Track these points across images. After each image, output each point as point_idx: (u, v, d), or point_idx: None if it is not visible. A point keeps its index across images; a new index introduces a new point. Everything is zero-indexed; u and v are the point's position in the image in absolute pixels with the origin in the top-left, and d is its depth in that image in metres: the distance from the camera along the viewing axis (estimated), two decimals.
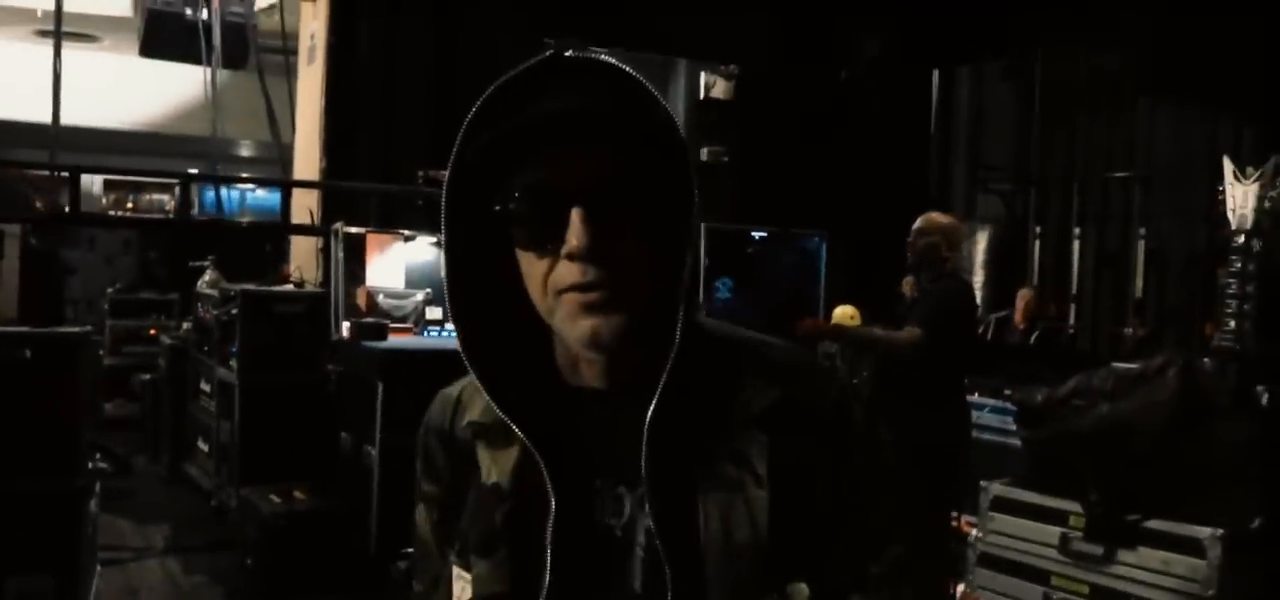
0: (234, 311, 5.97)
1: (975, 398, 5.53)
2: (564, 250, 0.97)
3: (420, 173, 6.14)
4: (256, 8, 8.99)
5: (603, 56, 1.03)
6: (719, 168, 7.88)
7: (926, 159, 8.54)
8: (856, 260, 7.30)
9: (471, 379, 1.09)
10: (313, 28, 7.11)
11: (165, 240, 8.70)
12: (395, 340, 5.68)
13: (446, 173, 1.02)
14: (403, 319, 6.00)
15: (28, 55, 18.32)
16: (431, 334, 5.99)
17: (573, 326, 1.00)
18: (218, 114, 8.83)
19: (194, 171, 9.19)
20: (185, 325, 7.22)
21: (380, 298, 5.96)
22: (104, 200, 23.79)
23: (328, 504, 5.26)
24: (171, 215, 9.54)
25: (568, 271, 0.98)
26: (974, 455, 4.96)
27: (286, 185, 6.45)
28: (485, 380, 1.04)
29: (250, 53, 8.28)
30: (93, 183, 22.15)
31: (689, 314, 1.01)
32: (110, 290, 8.10)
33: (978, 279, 8.72)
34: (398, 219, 6.18)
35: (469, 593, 1.07)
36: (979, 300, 6.85)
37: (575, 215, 0.96)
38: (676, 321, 0.99)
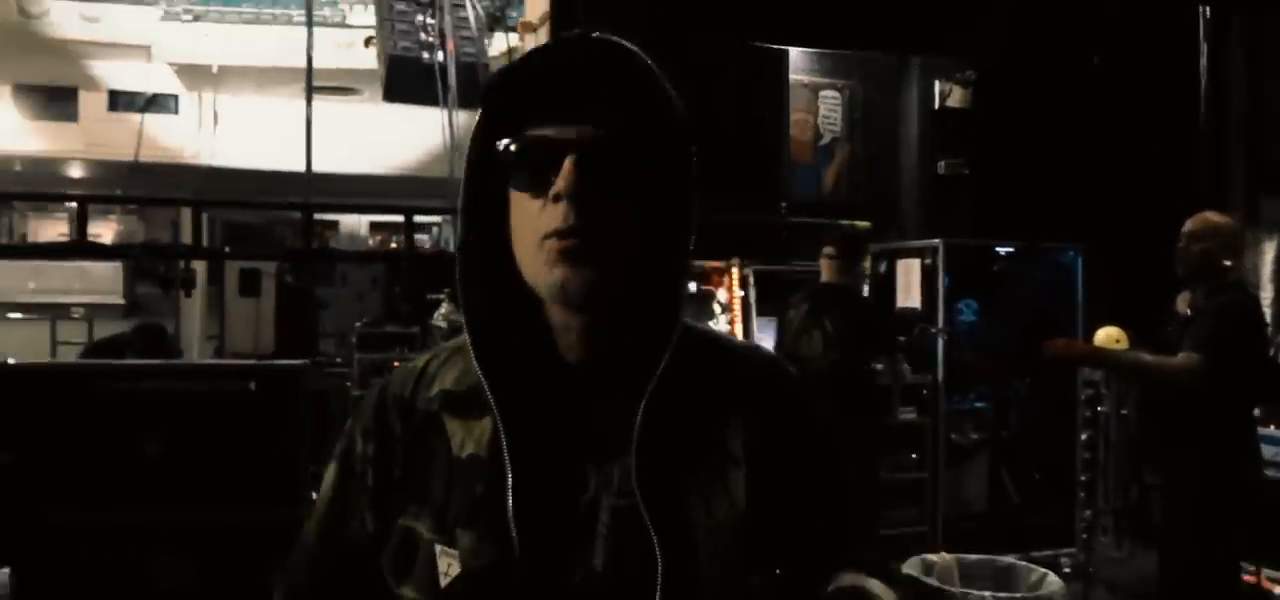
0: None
1: (1269, 431, 4.78)
2: (551, 191, 1.03)
3: None
4: (491, 54, 9.24)
5: (619, 40, 1.06)
6: (958, 181, 7.31)
7: (1196, 155, 7.51)
8: (1118, 274, 6.52)
9: (440, 353, 1.19)
10: None
11: (407, 276, 9.02)
12: None
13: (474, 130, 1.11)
14: None
15: (299, 110, 19.82)
16: None
17: (547, 274, 1.04)
18: (456, 154, 9.10)
19: (430, 208, 9.53)
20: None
21: None
22: (371, 241, 25.43)
23: None
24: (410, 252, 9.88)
25: (552, 215, 1.03)
26: (1268, 500, 4.23)
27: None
28: (476, 341, 1.09)
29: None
30: (360, 224, 23.74)
31: (679, 302, 1.09)
32: (358, 325, 8.44)
33: (1266, 295, 7.67)
34: None
35: (457, 567, 1.08)
36: (1268, 318, 5.98)
37: (567, 162, 1.02)
38: (670, 302, 1.09)
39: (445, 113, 9.12)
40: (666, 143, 1.07)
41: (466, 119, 9.27)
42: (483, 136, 1.10)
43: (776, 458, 1.11)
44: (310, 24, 10.21)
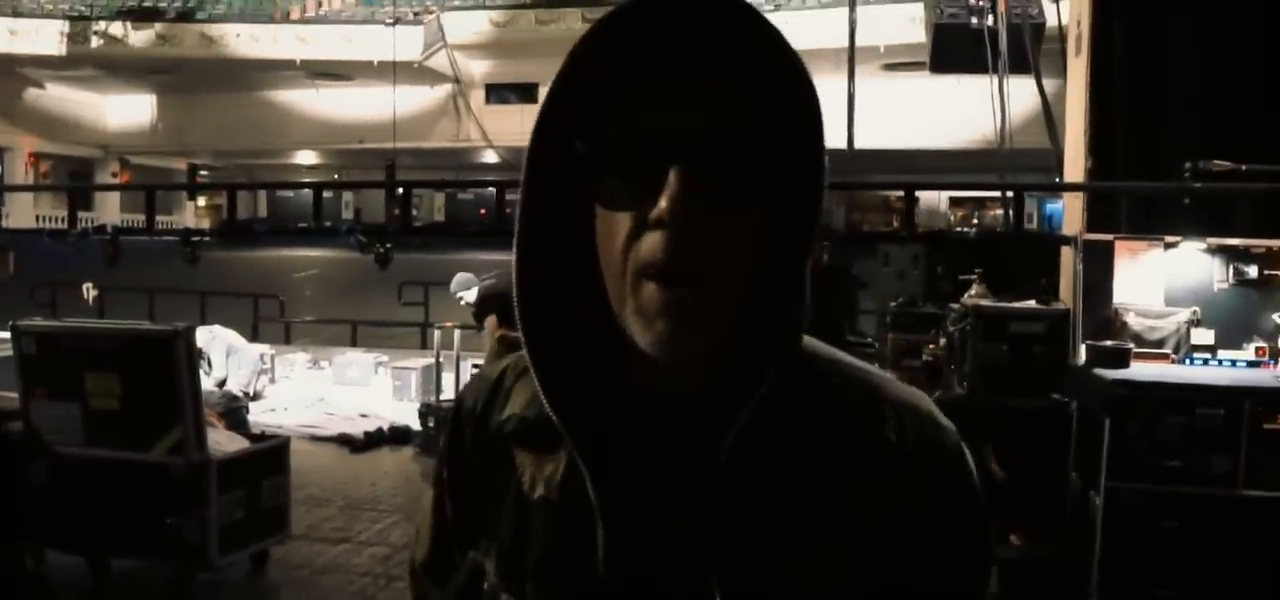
0: (969, 328, 5.58)
1: None
2: (653, 215, 0.78)
3: (1187, 165, 5.09)
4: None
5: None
6: None
7: None
8: None
9: (519, 360, 0.95)
10: (1079, 15, 6.39)
11: (949, 254, 8.61)
12: (1140, 369, 4.78)
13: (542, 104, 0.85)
14: (1159, 343, 5.05)
15: (874, 88, 20.08)
16: (1196, 362, 4.93)
17: (646, 326, 0.81)
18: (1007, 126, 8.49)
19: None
20: (941, 341, 7.02)
21: (1130, 316, 5.09)
22: (951, 216, 25.03)
23: (1044, 552, 4.60)
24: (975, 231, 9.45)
25: (652, 246, 0.79)
26: None
27: (1017, 189, 5.84)
28: (540, 369, 0.88)
29: (1029, 54, 7.80)
30: (940, 199, 23.50)
31: (798, 321, 0.85)
32: (893, 304, 8.24)
33: None
34: (1159, 223, 5.20)
35: None
36: None
37: (674, 172, 0.77)
38: (785, 325, 0.85)
39: (995, 79, 8.59)
40: (800, 137, 0.82)
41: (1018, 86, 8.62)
42: (553, 119, 0.85)
43: (911, 543, 0.86)
44: (852, 2, 10.15)
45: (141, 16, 28.54)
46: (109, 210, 27.40)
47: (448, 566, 1.05)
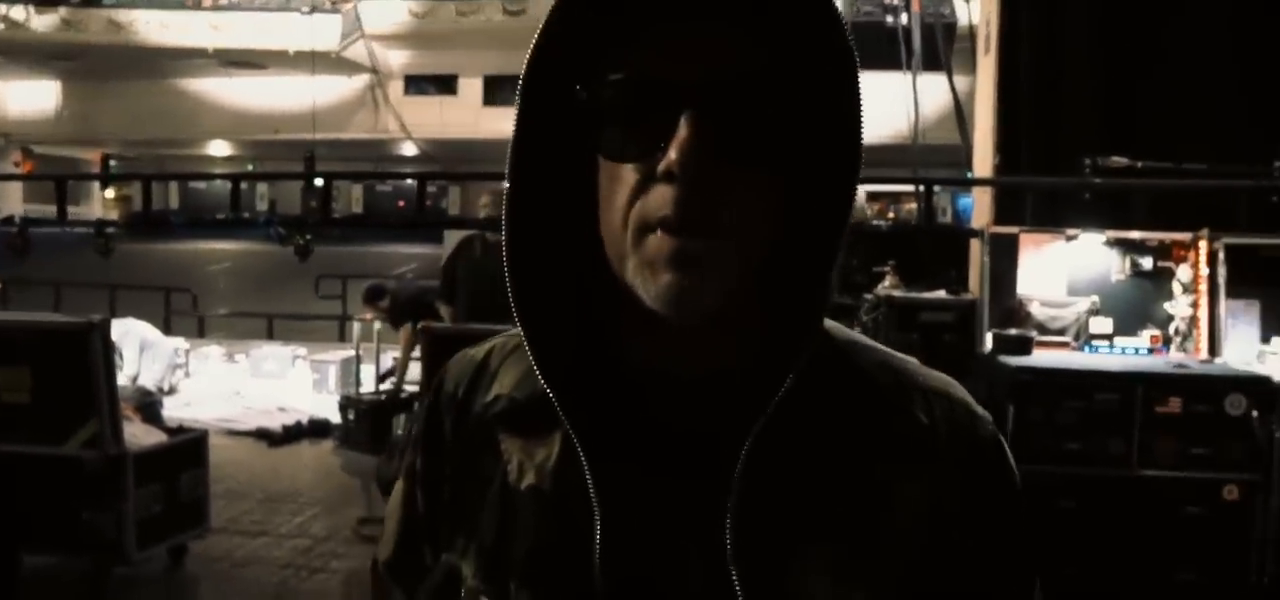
0: (881, 317, 5.76)
1: None
2: (661, 166, 0.72)
3: (1087, 161, 5.33)
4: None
5: None
6: None
7: None
8: None
9: (507, 340, 0.91)
10: (988, 14, 6.62)
11: (864, 247, 8.82)
12: (1042, 356, 4.99)
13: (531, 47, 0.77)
14: (1060, 331, 5.27)
15: None
16: (1095, 349, 5.16)
17: (651, 278, 0.74)
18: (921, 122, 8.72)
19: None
20: (856, 330, 7.21)
21: (1033, 306, 5.30)
22: (868, 210, 25.43)
23: None
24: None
25: (661, 198, 0.73)
26: None
27: (927, 183, 6.05)
28: (533, 339, 0.80)
29: (940, 53, 8.04)
30: (859, 194, 23.87)
31: (823, 302, 0.77)
32: None
33: None
34: (1061, 217, 5.43)
35: None
36: None
37: (685, 120, 0.71)
38: (811, 305, 0.77)
39: (909, 76, 8.81)
40: (828, 82, 0.74)
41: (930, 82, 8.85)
42: (543, 66, 0.78)
43: (945, 542, 0.79)
44: None
45: (45, 1, 27.66)
46: (11, 200, 26.52)
47: (416, 566, 0.94)
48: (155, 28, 27.69)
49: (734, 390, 0.77)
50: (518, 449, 0.84)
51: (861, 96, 0.75)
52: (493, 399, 0.88)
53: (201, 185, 32.52)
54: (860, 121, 0.75)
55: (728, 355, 0.80)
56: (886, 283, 7.26)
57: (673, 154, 0.71)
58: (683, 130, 0.71)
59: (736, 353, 0.80)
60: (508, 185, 0.80)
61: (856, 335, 0.87)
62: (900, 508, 0.79)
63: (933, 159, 9.53)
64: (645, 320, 0.77)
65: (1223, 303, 4.96)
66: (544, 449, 0.83)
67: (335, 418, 8.60)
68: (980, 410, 0.85)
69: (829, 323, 0.84)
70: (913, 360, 0.87)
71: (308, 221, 8.48)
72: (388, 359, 8.86)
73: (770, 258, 0.77)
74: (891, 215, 24.11)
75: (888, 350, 0.87)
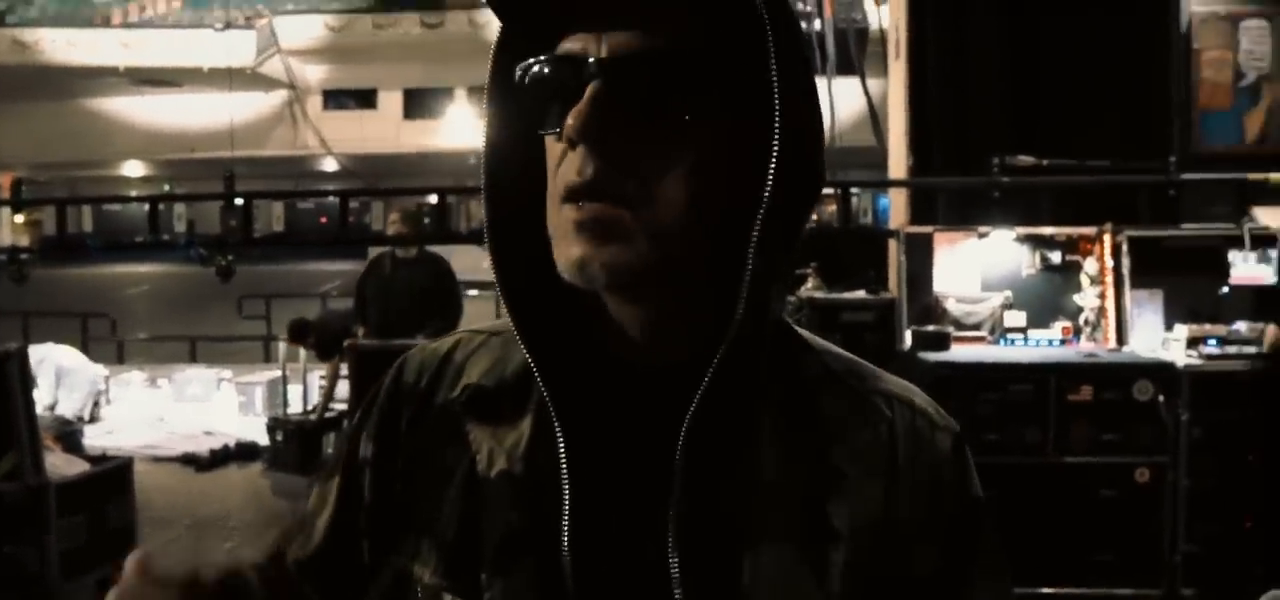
0: (804, 319, 5.88)
1: None
2: (563, 134, 0.74)
3: (995, 160, 5.51)
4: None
5: None
6: None
7: None
8: None
9: (472, 336, 0.91)
10: (897, 19, 6.80)
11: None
12: (960, 351, 5.16)
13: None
14: (976, 326, 5.44)
15: None
16: (1010, 342, 5.34)
17: (562, 249, 0.76)
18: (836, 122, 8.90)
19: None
20: None
21: (949, 302, 5.46)
22: None
23: None
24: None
25: (567, 166, 0.75)
26: None
27: (844, 185, 6.20)
28: (522, 328, 0.81)
29: (853, 57, 8.22)
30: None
31: (762, 285, 0.76)
32: None
33: None
34: (973, 215, 5.61)
35: None
36: None
37: (589, 90, 0.73)
38: (757, 290, 0.75)
39: (824, 81, 8.98)
40: (748, 57, 0.75)
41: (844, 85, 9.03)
42: (502, 57, 0.82)
43: (903, 546, 0.79)
44: None
45: None
46: None
47: (347, 564, 0.90)
48: (62, 46, 26.98)
49: (690, 381, 0.78)
50: (487, 436, 0.84)
51: (799, 62, 0.77)
52: (460, 391, 0.87)
53: (117, 207, 31.71)
54: (801, 85, 0.77)
55: (682, 346, 0.80)
56: (809, 284, 7.40)
57: (570, 120, 0.73)
58: (583, 102, 0.73)
59: (689, 343, 0.80)
60: (484, 174, 0.82)
61: (828, 342, 0.89)
62: (857, 504, 0.79)
63: (851, 160, 9.73)
64: (599, 305, 0.80)
65: (1128, 293, 5.16)
66: (515, 433, 0.83)
67: (263, 440, 8.50)
68: (943, 419, 0.86)
69: (804, 331, 0.87)
70: (877, 368, 0.87)
71: (228, 242, 8.35)
72: (314, 379, 8.78)
73: (719, 246, 0.77)
74: (815, 218, 24.44)
75: (853, 356, 0.88)
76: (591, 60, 0.75)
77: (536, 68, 0.78)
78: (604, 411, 0.81)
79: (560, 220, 0.77)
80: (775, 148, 0.73)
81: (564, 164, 0.76)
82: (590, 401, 0.81)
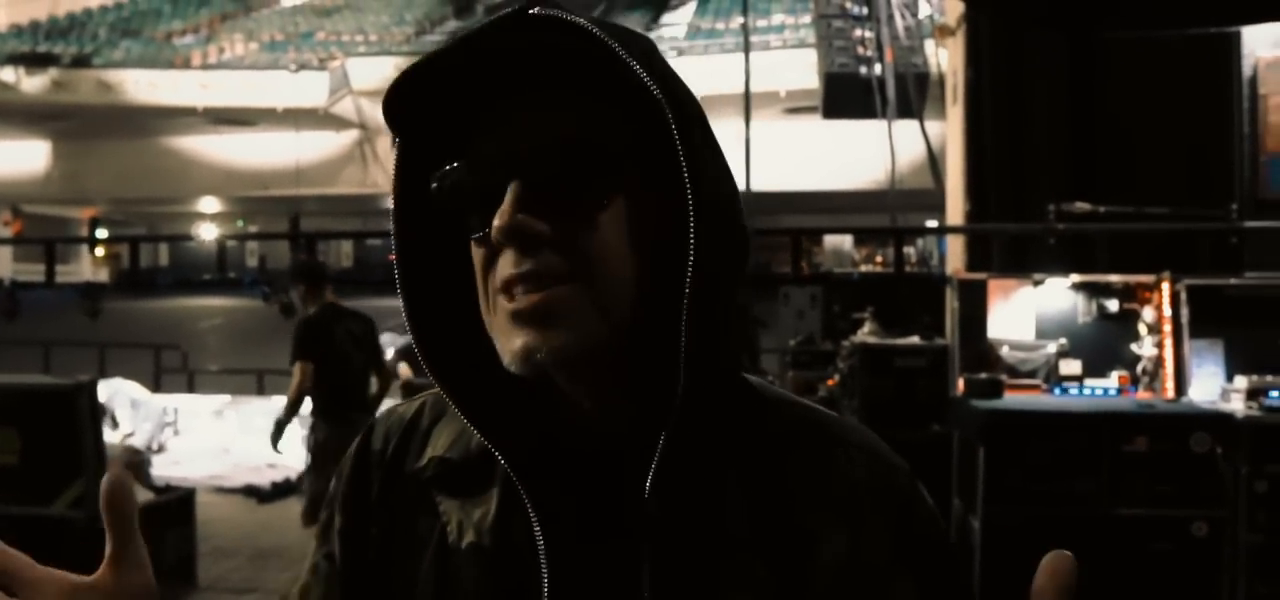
0: (857, 364, 5.87)
1: None
2: (493, 236, 0.76)
3: (1051, 207, 5.46)
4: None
5: (568, 13, 0.78)
6: None
7: None
8: None
9: (438, 398, 0.89)
10: (955, 65, 6.79)
11: (846, 293, 8.94)
12: (1013, 399, 5.09)
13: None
14: (1030, 374, 5.37)
15: (777, 131, 20.64)
16: (1066, 391, 5.26)
17: (505, 345, 0.78)
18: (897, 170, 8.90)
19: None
20: (836, 377, 7.30)
21: (1004, 350, 5.40)
22: (856, 254, 25.69)
23: None
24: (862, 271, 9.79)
25: (501, 264, 0.77)
26: None
27: (900, 232, 6.18)
28: (470, 414, 0.82)
29: (913, 102, 8.22)
30: (844, 239, 24.10)
31: (705, 353, 0.77)
32: (792, 342, 8.54)
33: None
34: (1028, 262, 5.56)
35: None
36: None
37: (510, 189, 0.75)
38: (700, 355, 0.76)
39: (886, 124, 8.99)
40: (652, 140, 0.78)
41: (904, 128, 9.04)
42: (408, 167, 0.84)
43: (880, 585, 0.81)
44: (747, 49, 10.64)
45: (35, 62, 27.89)
46: (0, 261, 26.59)
47: None
48: (144, 87, 27.94)
49: (647, 448, 0.79)
50: (456, 508, 0.84)
51: (705, 136, 0.78)
52: (426, 462, 0.87)
53: (192, 243, 32.60)
54: (709, 159, 0.78)
55: (633, 415, 0.81)
56: (865, 329, 7.37)
57: (497, 222, 0.75)
58: (507, 199, 0.75)
59: (640, 413, 0.80)
60: (398, 279, 0.84)
61: (782, 391, 0.90)
62: (826, 555, 0.80)
63: (910, 203, 9.71)
64: (548, 384, 0.81)
65: (1187, 343, 5.07)
66: (481, 507, 0.83)
67: None
68: (896, 460, 0.88)
69: (756, 381, 0.89)
70: (833, 414, 0.90)
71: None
72: (381, 413, 8.90)
73: (660, 312, 0.77)
74: (878, 260, 24.27)
75: (810, 404, 0.90)
76: (509, 159, 0.77)
77: (453, 177, 0.79)
78: (566, 485, 0.82)
79: (498, 317, 0.78)
80: (692, 219, 0.75)
81: (501, 261, 0.77)
82: (553, 477, 0.82)
